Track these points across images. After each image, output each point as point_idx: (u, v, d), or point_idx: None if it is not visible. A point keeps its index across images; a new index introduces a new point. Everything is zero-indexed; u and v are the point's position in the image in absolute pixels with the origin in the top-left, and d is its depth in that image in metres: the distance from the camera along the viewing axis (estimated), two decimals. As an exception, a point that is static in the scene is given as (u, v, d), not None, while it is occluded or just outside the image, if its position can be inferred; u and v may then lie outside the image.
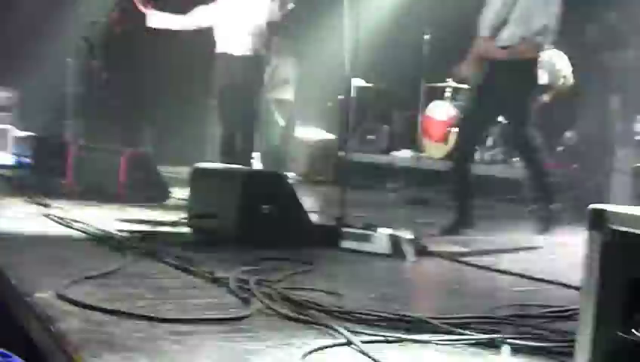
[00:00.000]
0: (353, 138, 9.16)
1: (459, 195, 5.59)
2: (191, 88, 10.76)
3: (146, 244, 4.13)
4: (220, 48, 6.92)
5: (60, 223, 4.78)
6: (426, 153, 9.16)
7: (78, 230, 4.55)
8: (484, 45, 5.28)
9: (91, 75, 9.49)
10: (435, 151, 9.02)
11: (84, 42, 9.13)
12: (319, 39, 9.42)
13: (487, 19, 5.29)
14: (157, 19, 7.03)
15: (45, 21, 11.10)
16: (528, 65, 5.24)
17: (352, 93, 5.39)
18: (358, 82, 9.15)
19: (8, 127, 10.05)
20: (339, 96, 9.59)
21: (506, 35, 5.19)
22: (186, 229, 4.76)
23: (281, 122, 9.59)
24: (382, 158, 9.77)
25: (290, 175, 9.36)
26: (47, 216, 5.04)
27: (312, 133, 10.20)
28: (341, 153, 8.88)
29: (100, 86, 9.53)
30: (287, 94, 9.52)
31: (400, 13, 9.92)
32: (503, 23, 5.17)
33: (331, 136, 10.05)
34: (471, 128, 5.60)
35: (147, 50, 9.42)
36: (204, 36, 7.06)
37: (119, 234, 4.42)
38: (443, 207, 6.44)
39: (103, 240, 4.24)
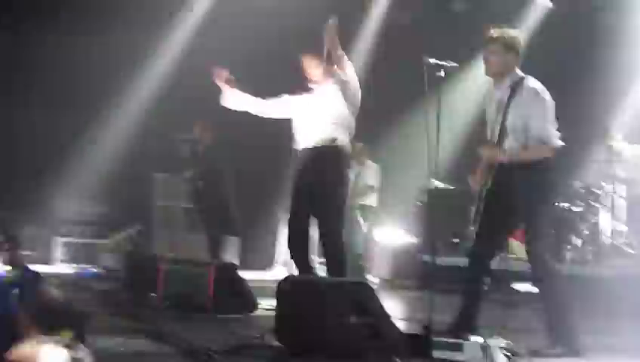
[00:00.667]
0: (438, 241, 9.07)
1: (466, 296, 5.28)
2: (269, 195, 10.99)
3: (236, 359, 4.13)
4: (298, 144, 6.30)
5: (153, 338, 4.83)
6: (512, 254, 8.98)
7: (169, 344, 4.60)
8: (488, 153, 5.12)
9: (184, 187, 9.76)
10: (522, 251, 8.83)
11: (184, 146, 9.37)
12: (401, 141, 9.55)
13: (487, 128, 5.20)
14: (233, 100, 6.33)
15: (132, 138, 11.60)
16: (537, 169, 4.94)
17: (434, 196, 5.33)
18: (438, 184, 9.15)
19: (99, 241, 10.38)
20: (418, 201, 9.62)
21: (507, 146, 5.01)
22: (274, 342, 4.74)
23: (365, 229, 9.63)
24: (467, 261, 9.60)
25: (373, 280, 9.31)
26: (140, 331, 5.11)
27: (394, 237, 10.17)
28: (425, 257, 8.83)
29: (188, 198, 9.79)
30: (371, 200, 9.57)
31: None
32: (502, 133, 5.01)
33: (414, 240, 9.98)
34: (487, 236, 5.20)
35: (229, 160, 9.66)
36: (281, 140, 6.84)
37: (209, 348, 4.43)
38: (532, 309, 6.25)
39: (193, 356, 4.27)
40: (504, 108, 5.00)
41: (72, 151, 11.54)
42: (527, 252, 5.05)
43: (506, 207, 5.03)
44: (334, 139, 6.08)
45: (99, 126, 11.44)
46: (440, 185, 9.36)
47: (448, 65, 5.06)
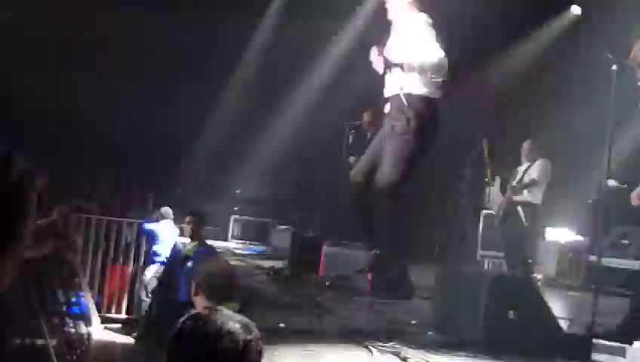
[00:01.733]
0: (606, 241, 8.72)
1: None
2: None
3: (391, 343, 4.23)
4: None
5: (312, 315, 5.03)
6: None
7: (329, 324, 4.77)
8: None
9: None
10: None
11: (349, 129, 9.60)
12: (571, 136, 9.25)
13: None
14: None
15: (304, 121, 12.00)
16: None
17: (606, 195, 5.15)
18: (611, 183, 8.76)
19: (269, 220, 10.83)
20: (589, 199, 9.29)
21: None
22: (430, 330, 4.80)
23: (524, 222, 9.42)
24: (637, 264, 9.17)
25: (538, 277, 9.09)
26: (299, 307, 5.33)
27: (561, 235, 9.87)
28: (593, 257, 8.51)
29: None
30: (533, 197, 9.35)
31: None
32: None
33: (581, 239, 9.64)
34: None
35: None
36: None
37: (367, 331, 4.56)
38: None
39: (350, 337, 4.41)
40: None
41: (250, 136, 12.15)
42: None
43: None
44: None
45: (272, 112, 11.93)
46: (613, 183, 8.97)
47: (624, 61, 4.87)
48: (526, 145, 9.24)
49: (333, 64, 11.83)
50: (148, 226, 10.67)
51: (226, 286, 3.97)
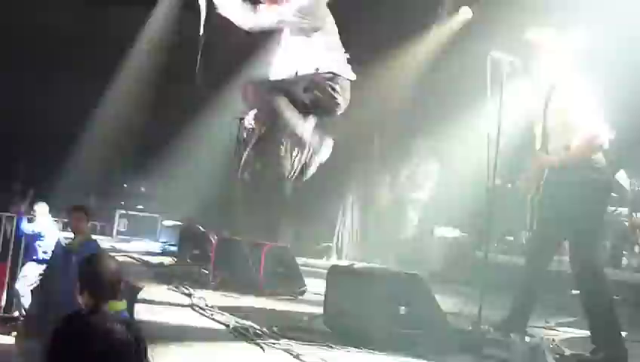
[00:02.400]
0: (492, 238, 8.99)
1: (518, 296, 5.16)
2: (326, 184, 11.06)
3: (283, 340, 4.18)
4: None
5: (203, 314, 4.92)
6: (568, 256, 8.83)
7: (219, 322, 4.67)
8: (536, 159, 4.99)
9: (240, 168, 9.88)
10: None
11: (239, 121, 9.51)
12: (461, 137, 9.46)
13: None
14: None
15: (194, 116, 11.83)
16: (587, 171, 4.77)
17: (492, 194, 5.27)
18: (497, 182, 9.04)
19: (157, 215, 10.57)
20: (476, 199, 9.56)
21: (550, 148, 4.90)
22: (321, 327, 4.78)
23: (415, 221, 9.61)
24: (521, 260, 9.49)
25: (426, 274, 9.27)
26: (191, 306, 5.21)
27: (448, 232, 10.09)
28: (479, 253, 8.75)
29: (244, 179, 9.88)
30: (423, 194, 9.56)
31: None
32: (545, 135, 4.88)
33: (468, 235, 9.89)
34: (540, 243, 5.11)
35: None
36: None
37: (258, 328, 4.49)
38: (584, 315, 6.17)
39: (242, 333, 4.33)
40: (544, 108, 4.91)
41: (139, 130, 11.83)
42: (570, 255, 4.94)
43: (556, 213, 4.92)
44: None
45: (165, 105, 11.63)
46: (498, 183, 9.25)
47: (514, 60, 5.00)
48: (415, 146, 9.45)
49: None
50: (25, 225, 10.24)
51: (111, 284, 3.80)
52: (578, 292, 4.99)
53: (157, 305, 5.14)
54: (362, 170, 11.20)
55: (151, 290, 5.79)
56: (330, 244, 10.74)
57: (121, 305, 3.81)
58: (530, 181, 5.08)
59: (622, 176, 8.51)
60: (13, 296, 10.55)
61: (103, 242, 9.15)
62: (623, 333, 5.27)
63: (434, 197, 9.65)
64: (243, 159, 9.20)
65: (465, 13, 10.79)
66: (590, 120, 4.77)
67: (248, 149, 8.62)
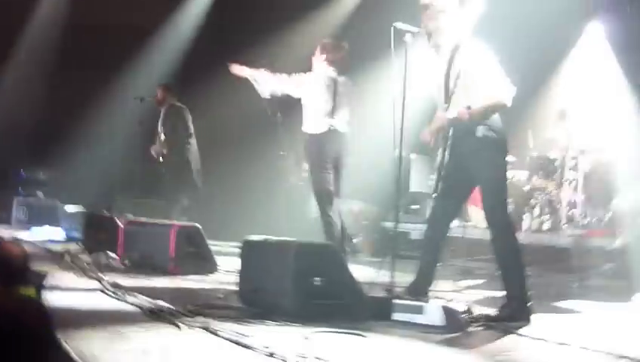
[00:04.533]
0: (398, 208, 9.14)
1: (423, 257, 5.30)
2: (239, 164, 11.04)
3: (200, 318, 4.14)
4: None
5: (115, 297, 4.82)
6: (472, 222, 9.10)
7: (131, 304, 4.59)
8: (437, 116, 5.09)
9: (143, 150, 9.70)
10: (482, 219, 8.95)
11: (140, 101, 9.36)
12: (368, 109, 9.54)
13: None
14: (241, 69, 6.96)
15: (94, 99, 11.51)
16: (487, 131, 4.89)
17: (399, 165, 5.35)
18: (413, 156, 9.24)
19: (58, 201, 10.23)
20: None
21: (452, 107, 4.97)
22: (237, 303, 4.76)
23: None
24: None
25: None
26: (101, 290, 5.09)
27: (356, 205, 10.19)
28: (387, 223, 8.91)
29: (148, 161, 9.71)
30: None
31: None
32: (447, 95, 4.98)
33: (375, 207, 10.02)
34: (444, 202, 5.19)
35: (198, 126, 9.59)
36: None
37: (173, 308, 4.43)
38: (490, 277, 6.41)
39: (156, 314, 4.27)
40: (446, 70, 4.99)
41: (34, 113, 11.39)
42: (485, 213, 5.09)
43: (461, 171, 5.02)
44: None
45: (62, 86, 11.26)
46: (402, 154, 9.41)
47: (416, 30, 5.07)
48: None
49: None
50: None
51: (18, 269, 3.66)
52: (493, 249, 5.12)
53: (66, 291, 5.00)
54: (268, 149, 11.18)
55: (58, 276, 5.63)
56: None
57: (29, 291, 3.67)
58: (432, 134, 5.13)
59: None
60: None
61: (2, 231, 8.81)
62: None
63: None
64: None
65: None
66: (493, 80, 4.89)
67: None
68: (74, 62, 11.42)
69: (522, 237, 8.01)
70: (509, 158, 8.81)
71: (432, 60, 5.16)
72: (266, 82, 6.87)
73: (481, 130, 4.89)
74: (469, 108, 4.86)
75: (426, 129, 5.12)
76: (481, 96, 4.87)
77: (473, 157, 4.95)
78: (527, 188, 8.52)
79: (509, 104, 4.91)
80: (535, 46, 8.88)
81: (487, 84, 4.87)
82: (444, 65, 4.99)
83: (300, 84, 6.91)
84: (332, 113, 6.86)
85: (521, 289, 4.89)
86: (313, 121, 6.88)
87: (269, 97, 6.94)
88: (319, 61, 7.02)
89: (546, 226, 8.21)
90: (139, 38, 11.84)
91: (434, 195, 5.14)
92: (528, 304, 4.87)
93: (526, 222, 8.29)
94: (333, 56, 7.00)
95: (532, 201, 8.36)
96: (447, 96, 4.98)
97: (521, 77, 5.16)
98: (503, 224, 5.00)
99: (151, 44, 12.08)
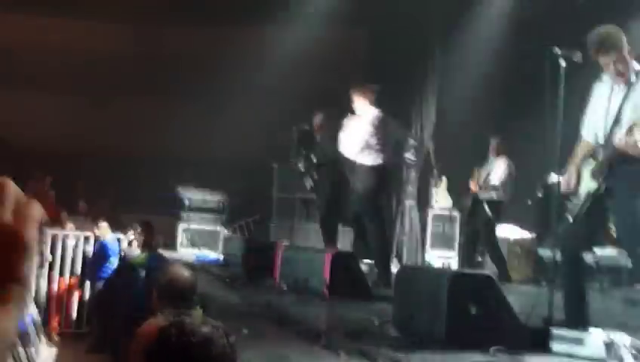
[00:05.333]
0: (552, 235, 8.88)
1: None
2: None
3: (356, 344, 4.23)
4: None
5: (275, 321, 5.00)
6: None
7: (291, 328, 4.74)
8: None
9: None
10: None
11: (298, 132, 9.52)
12: (522, 133, 9.41)
13: None
14: None
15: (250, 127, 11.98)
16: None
17: (553, 190, 5.24)
18: (554, 178, 8.94)
19: (219, 228, 10.71)
20: (538, 194, 9.48)
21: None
22: (392, 329, 4.80)
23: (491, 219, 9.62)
24: (586, 256, 9.34)
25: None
26: (262, 315, 5.29)
27: (509, 231, 10.01)
28: (542, 250, 8.67)
29: (304, 189, 9.95)
30: (499, 194, 9.56)
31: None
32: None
33: (529, 234, 9.79)
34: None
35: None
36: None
37: (330, 333, 4.54)
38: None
39: (315, 339, 4.38)
40: (621, 102, 4.86)
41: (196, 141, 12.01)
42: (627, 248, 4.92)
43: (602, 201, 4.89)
44: None
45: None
46: (555, 178, 9.14)
47: (573, 55, 4.98)
48: (493, 142, 9.45)
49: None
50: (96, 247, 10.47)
51: (188, 292, 3.91)
52: None
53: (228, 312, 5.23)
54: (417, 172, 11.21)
55: (222, 298, 5.90)
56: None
57: (199, 313, 3.90)
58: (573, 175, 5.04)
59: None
60: (84, 312, 10.78)
61: (169, 255, 9.31)
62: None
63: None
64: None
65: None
66: None
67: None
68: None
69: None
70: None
71: (605, 87, 5.02)
72: None
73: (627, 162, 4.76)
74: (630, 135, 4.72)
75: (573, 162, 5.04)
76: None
77: (622, 186, 4.80)
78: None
79: None
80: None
81: None
82: (621, 93, 4.86)
83: None
84: None
85: None
86: None
87: None
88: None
89: None
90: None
91: (571, 219, 5.01)
92: None
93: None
94: None
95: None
96: (618, 123, 4.85)
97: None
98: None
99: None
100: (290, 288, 6.67)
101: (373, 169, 7.57)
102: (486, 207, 9.05)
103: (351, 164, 7.70)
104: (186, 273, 4.01)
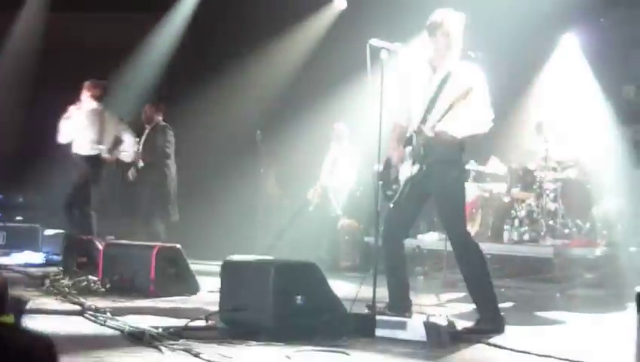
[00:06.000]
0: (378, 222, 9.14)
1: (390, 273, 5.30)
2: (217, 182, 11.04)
3: (181, 340, 4.12)
4: None
5: (95, 321, 4.78)
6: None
7: (112, 328, 4.56)
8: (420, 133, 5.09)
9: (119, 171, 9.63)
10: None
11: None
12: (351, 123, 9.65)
13: None
14: None
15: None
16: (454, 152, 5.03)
17: (378, 179, 5.36)
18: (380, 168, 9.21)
19: (37, 226, 10.15)
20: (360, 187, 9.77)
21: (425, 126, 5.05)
22: (219, 323, 4.73)
23: (339, 211, 9.77)
24: (408, 242, 9.69)
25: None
26: (81, 314, 5.05)
27: (344, 220, 10.18)
28: (369, 238, 8.90)
29: (125, 182, 9.65)
30: (345, 182, 9.80)
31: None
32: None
33: (360, 223, 10.00)
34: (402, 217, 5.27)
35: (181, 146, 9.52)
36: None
37: (153, 330, 4.40)
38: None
39: (137, 338, 4.23)
40: (436, 90, 5.04)
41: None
42: (445, 231, 5.13)
43: (420, 185, 5.09)
44: None
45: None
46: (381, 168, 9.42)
47: (392, 46, 5.11)
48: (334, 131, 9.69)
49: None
50: None
51: (-3, 297, 3.63)
52: (457, 264, 5.22)
53: (46, 315, 4.95)
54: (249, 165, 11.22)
55: (38, 301, 5.58)
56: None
57: (9, 319, 3.63)
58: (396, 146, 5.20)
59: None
60: None
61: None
62: (509, 303, 5.55)
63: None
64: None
65: (339, 3, 10.94)
66: (478, 109, 4.93)
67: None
68: (52, 84, 11.37)
69: (503, 248, 8.10)
70: (489, 169, 8.94)
71: (421, 76, 5.16)
72: None
73: (442, 147, 4.95)
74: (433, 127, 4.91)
75: (391, 142, 5.19)
76: (462, 122, 4.90)
77: (432, 172, 5.01)
78: (507, 199, 8.55)
79: (486, 131, 4.97)
80: (511, 58, 8.96)
81: (472, 112, 4.90)
82: (435, 84, 5.02)
83: None
84: None
85: (490, 300, 4.93)
86: None
87: None
88: None
89: (526, 237, 8.24)
90: (117, 57, 11.82)
91: (392, 205, 5.19)
92: (501, 314, 4.92)
93: (507, 233, 8.31)
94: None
95: (512, 213, 8.39)
96: (428, 113, 5.01)
97: (498, 88, 5.22)
98: (460, 238, 5.05)
99: (131, 63, 12.06)
100: (115, 286, 6.42)
101: None
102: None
103: None
104: (-7, 276, 3.72)
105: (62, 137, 8.67)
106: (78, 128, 8.63)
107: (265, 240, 9.91)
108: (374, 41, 5.08)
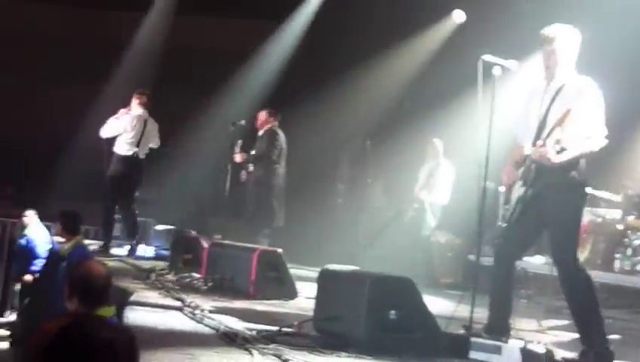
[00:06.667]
0: (485, 241, 8.95)
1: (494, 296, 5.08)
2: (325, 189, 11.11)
3: (273, 345, 4.16)
4: None
5: (193, 318, 4.90)
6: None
7: (208, 326, 4.66)
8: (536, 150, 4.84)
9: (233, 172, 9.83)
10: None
11: (232, 126, 9.41)
12: (455, 139, 9.50)
13: None
14: None
15: (187, 121, 11.84)
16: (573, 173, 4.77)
17: (484, 196, 5.24)
18: (490, 185, 9.03)
19: (150, 220, 10.50)
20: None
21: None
22: (312, 331, 4.75)
23: (432, 224, 9.67)
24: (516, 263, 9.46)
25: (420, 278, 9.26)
26: (180, 309, 5.19)
27: (442, 236, 10.07)
28: (471, 256, 8.73)
29: (237, 183, 9.83)
30: (441, 196, 9.68)
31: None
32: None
33: (460, 239, 9.85)
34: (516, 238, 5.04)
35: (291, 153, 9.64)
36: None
37: (247, 332, 4.47)
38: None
39: (231, 338, 4.31)
40: (549, 105, 4.86)
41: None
42: (553, 256, 4.92)
43: (538, 211, 4.88)
44: None
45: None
46: (490, 185, 9.23)
47: (506, 63, 5.00)
48: (430, 146, 9.55)
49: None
50: (23, 241, 10.11)
51: (100, 289, 3.77)
52: (563, 291, 5.00)
53: (147, 309, 5.12)
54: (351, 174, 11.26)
55: (142, 294, 5.77)
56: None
57: (110, 310, 3.78)
58: (511, 170, 5.05)
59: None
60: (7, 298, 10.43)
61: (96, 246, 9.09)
62: (615, 336, 5.31)
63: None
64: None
65: (458, 16, 10.80)
66: (592, 127, 4.73)
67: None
68: (171, 84, 11.79)
69: (613, 277, 7.75)
70: (603, 195, 8.58)
71: (536, 93, 5.02)
72: None
73: (566, 171, 4.77)
74: (558, 142, 4.71)
75: (509, 163, 5.04)
76: (575, 140, 4.72)
77: (546, 194, 4.82)
78: (620, 227, 8.19)
79: (597, 149, 4.77)
80: (631, 82, 8.59)
81: (585, 129, 4.70)
82: (547, 100, 4.86)
83: None
84: None
85: (598, 333, 4.71)
86: None
87: None
88: None
89: (639, 268, 7.86)
90: (235, 61, 12.12)
91: (504, 225, 5.02)
92: (609, 348, 4.69)
93: (618, 262, 7.97)
94: None
95: (625, 241, 8.03)
96: (542, 131, 4.85)
97: (616, 113, 5.00)
98: (568, 265, 4.83)
99: (247, 68, 12.34)
100: (216, 285, 6.56)
101: None
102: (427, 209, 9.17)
103: None
104: (99, 269, 3.88)
105: (104, 132, 9.05)
106: (122, 130, 8.97)
107: (365, 251, 9.89)
108: (487, 57, 4.99)
